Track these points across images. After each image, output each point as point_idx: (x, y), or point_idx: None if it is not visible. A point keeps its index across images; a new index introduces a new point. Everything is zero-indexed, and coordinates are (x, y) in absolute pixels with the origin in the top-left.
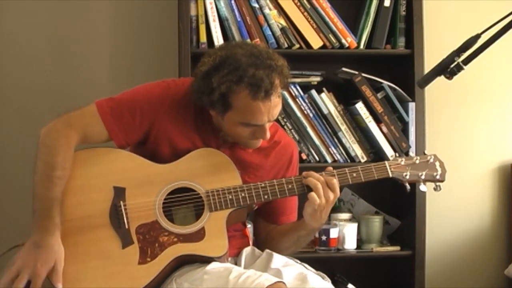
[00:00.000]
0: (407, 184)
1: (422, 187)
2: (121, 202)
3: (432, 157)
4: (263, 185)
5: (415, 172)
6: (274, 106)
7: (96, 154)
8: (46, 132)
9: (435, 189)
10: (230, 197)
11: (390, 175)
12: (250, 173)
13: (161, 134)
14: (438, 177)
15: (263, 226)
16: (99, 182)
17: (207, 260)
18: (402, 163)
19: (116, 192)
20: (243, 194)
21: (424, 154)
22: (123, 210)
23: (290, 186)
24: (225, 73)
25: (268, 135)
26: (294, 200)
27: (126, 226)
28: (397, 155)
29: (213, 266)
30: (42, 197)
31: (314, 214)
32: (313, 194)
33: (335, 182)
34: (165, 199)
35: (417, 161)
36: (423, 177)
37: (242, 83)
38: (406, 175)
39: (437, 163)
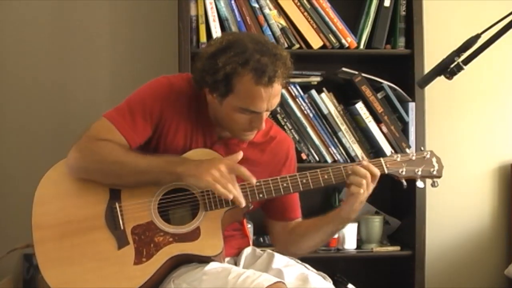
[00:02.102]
0: (403, 181)
1: (419, 183)
2: (117, 204)
3: (429, 153)
4: (258, 184)
5: (411, 168)
6: (275, 95)
7: None
8: (76, 158)
9: (432, 185)
10: None
11: (386, 171)
12: (246, 168)
13: (164, 131)
14: (435, 172)
15: (274, 225)
16: (95, 184)
17: (203, 260)
18: (398, 159)
19: (111, 194)
20: None
21: (421, 150)
22: (118, 212)
23: (285, 184)
24: (232, 55)
25: (264, 125)
26: (296, 195)
27: (122, 227)
28: (392, 151)
29: (212, 266)
30: (147, 170)
31: (357, 207)
32: (358, 189)
33: (379, 174)
34: (161, 199)
35: (413, 157)
36: (419, 173)
37: (248, 66)
38: (402, 172)
39: (433, 159)
